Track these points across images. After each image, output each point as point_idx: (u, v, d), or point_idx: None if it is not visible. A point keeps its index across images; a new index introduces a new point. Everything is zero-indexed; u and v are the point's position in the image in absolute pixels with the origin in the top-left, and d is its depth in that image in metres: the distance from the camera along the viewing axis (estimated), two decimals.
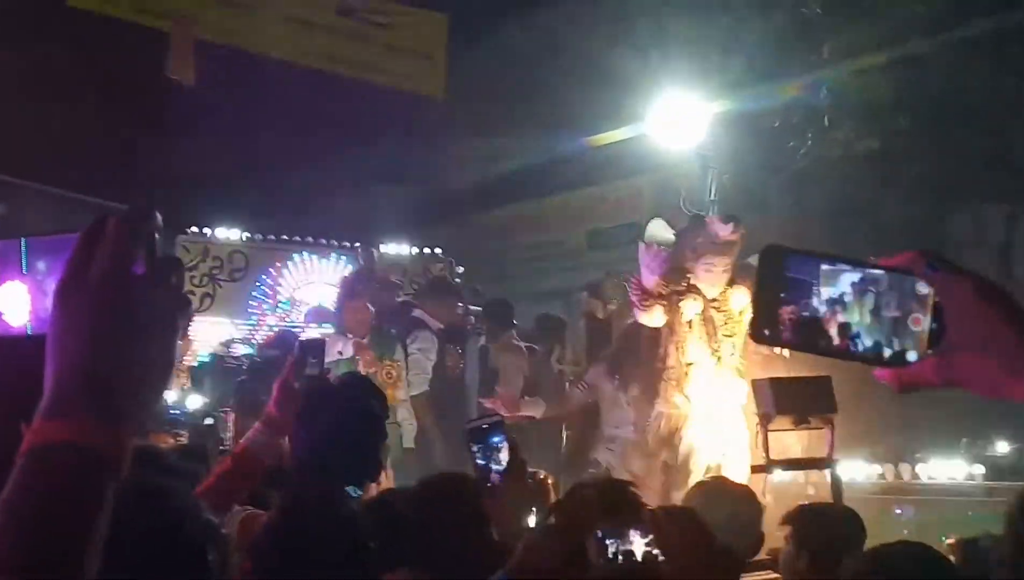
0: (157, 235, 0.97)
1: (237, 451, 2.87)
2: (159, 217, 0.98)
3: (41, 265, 1.01)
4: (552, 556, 1.88)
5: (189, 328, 9.78)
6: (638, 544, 1.95)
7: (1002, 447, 7.68)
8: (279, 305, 11.25)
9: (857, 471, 6.57)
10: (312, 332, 8.76)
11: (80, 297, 0.92)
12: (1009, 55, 9.00)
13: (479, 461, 2.24)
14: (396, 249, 11.88)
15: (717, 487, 3.56)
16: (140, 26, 10.42)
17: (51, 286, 0.97)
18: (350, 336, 6.88)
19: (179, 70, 9.84)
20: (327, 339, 3.07)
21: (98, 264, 0.92)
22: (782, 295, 1.00)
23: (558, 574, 1.88)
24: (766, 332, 1.00)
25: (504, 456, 2.22)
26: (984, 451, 7.59)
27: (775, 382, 4.73)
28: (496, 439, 2.25)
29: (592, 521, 1.93)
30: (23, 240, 1.02)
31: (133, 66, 10.33)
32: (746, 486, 3.95)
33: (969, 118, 9.33)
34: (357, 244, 10.25)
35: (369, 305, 7.12)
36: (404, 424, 6.78)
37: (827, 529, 3.32)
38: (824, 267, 1.01)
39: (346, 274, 9.95)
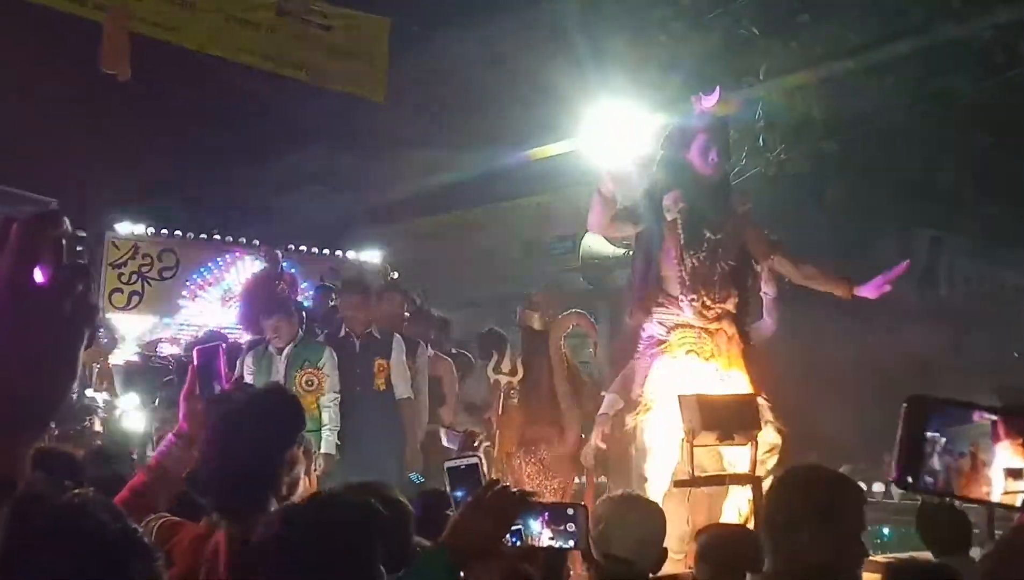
0: (64, 241, 0.94)
1: (151, 464, 2.81)
2: (67, 222, 0.95)
3: None
4: (485, 526, 2.09)
5: (99, 335, 9.63)
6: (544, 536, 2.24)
7: None
8: (207, 305, 11.13)
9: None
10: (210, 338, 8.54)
11: None
12: (934, 80, 9.25)
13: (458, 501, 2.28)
14: (330, 252, 11.84)
15: (626, 501, 3.62)
16: (73, 16, 10.21)
17: None
18: (272, 346, 6.79)
19: (113, 64, 9.66)
20: (222, 346, 2.95)
21: None
22: (925, 444, 1.03)
23: (488, 543, 2.09)
24: (909, 479, 1.04)
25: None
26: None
27: (701, 398, 4.79)
28: (470, 484, 2.30)
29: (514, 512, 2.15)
30: None
31: (67, 60, 10.13)
32: (654, 502, 4.01)
33: (895, 143, 9.57)
34: (257, 242, 10.04)
35: (293, 312, 7.04)
36: (323, 431, 6.72)
37: (729, 547, 3.53)
38: (965, 416, 1.04)
39: (253, 278, 9.78)
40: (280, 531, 2.15)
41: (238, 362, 6.69)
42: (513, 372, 7.03)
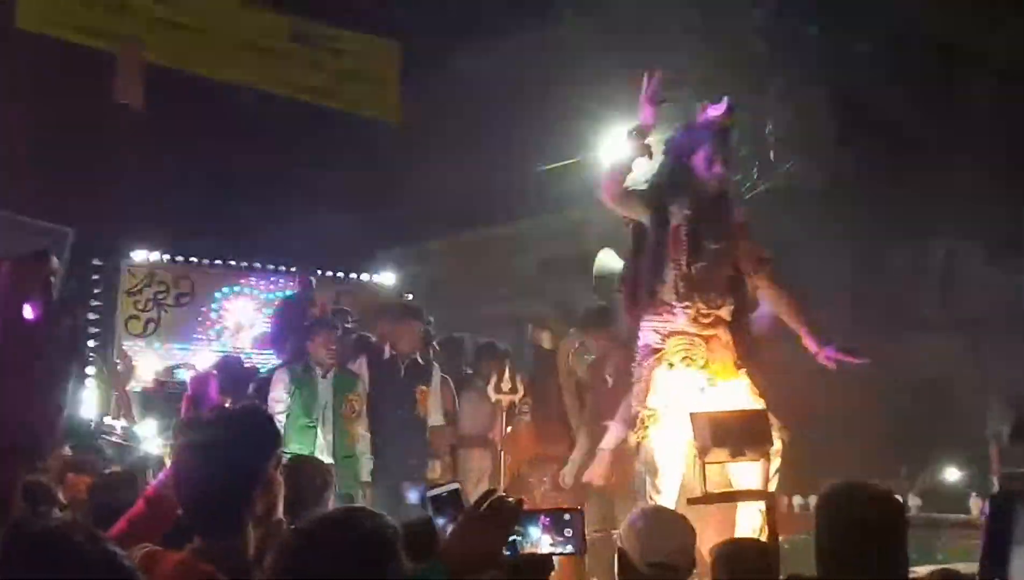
0: (53, 278, 0.97)
1: (149, 494, 2.82)
2: (55, 262, 0.98)
3: None
4: (483, 536, 2.08)
5: (116, 362, 9.69)
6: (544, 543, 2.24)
7: (951, 475, 7.78)
8: (223, 331, 11.18)
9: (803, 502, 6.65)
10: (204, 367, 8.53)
11: None
12: (948, 92, 9.22)
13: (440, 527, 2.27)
14: (345, 275, 11.88)
15: (659, 511, 3.77)
16: (88, 48, 10.34)
17: None
18: (318, 368, 6.82)
19: (127, 94, 9.77)
20: (212, 373, 2.98)
21: None
22: (1012, 540, 1.04)
23: (487, 558, 2.07)
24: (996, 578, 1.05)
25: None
26: (924, 482, 7.70)
27: (711, 416, 4.77)
28: (454, 510, 2.29)
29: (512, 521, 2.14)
30: None
31: (81, 89, 10.23)
32: (680, 514, 4.02)
33: (911, 153, 9.53)
34: (295, 269, 10.18)
35: (338, 336, 7.09)
36: (362, 458, 6.74)
37: (746, 561, 3.63)
38: None
39: (283, 301, 9.87)
40: (295, 548, 2.09)
41: (274, 382, 6.72)
42: (513, 390, 7.03)
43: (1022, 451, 5.09)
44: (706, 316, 5.27)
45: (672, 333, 5.30)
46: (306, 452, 6.38)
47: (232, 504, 2.50)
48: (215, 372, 2.96)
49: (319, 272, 11.60)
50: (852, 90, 9.05)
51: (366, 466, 6.75)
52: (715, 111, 5.32)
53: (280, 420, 6.49)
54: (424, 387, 7.25)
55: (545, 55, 10.16)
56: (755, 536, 4.90)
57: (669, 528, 3.46)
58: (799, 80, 9.17)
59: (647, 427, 5.18)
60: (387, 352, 7.28)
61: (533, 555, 2.23)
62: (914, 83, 9.01)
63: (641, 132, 5.24)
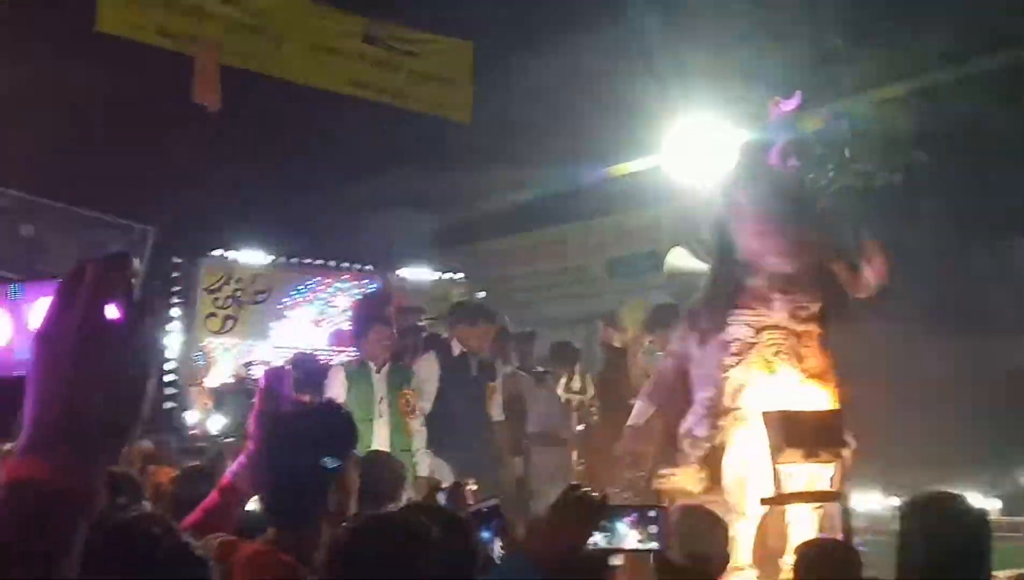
0: (135, 280, 1.02)
1: (223, 485, 2.88)
2: (136, 263, 1.03)
3: (25, 304, 1.08)
4: (567, 530, 2.11)
5: (195, 358, 9.90)
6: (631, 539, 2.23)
7: None
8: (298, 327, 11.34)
9: (876, 504, 6.55)
10: (287, 360, 8.62)
11: (59, 342, 0.97)
12: None
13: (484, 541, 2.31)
14: (417, 274, 11.98)
15: (697, 509, 3.85)
16: (167, 50, 10.57)
17: (32, 322, 1.03)
18: (372, 363, 6.89)
19: (204, 95, 9.98)
20: (287, 368, 3.02)
21: (76, 310, 0.97)
22: None
23: (570, 551, 2.10)
24: None
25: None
26: (1004, 485, 7.53)
27: (785, 415, 4.73)
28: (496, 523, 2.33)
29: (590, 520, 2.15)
30: (12, 285, 1.09)
31: (160, 90, 10.48)
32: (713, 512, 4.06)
33: (989, 150, 9.32)
34: (368, 267, 10.27)
35: (394, 331, 7.16)
36: (418, 454, 6.79)
37: (827, 561, 3.64)
38: None
39: (362, 298, 10.00)
40: (349, 545, 2.16)
41: (329, 380, 6.80)
42: (583, 390, 7.04)
43: None
44: (804, 308, 5.21)
45: (766, 327, 5.25)
46: (363, 448, 6.45)
47: (308, 498, 2.55)
48: (289, 367, 3.00)
49: (395, 271, 11.75)
50: (929, 87, 8.88)
51: (423, 461, 6.79)
52: (787, 106, 5.28)
53: None
54: (492, 384, 7.33)
55: (617, 54, 10.14)
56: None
57: (704, 523, 3.59)
58: (876, 77, 9.02)
59: (738, 426, 5.15)
60: (456, 349, 7.33)
61: (614, 550, 2.26)
62: (991, 79, 8.82)
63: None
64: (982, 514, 2.82)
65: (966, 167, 9.48)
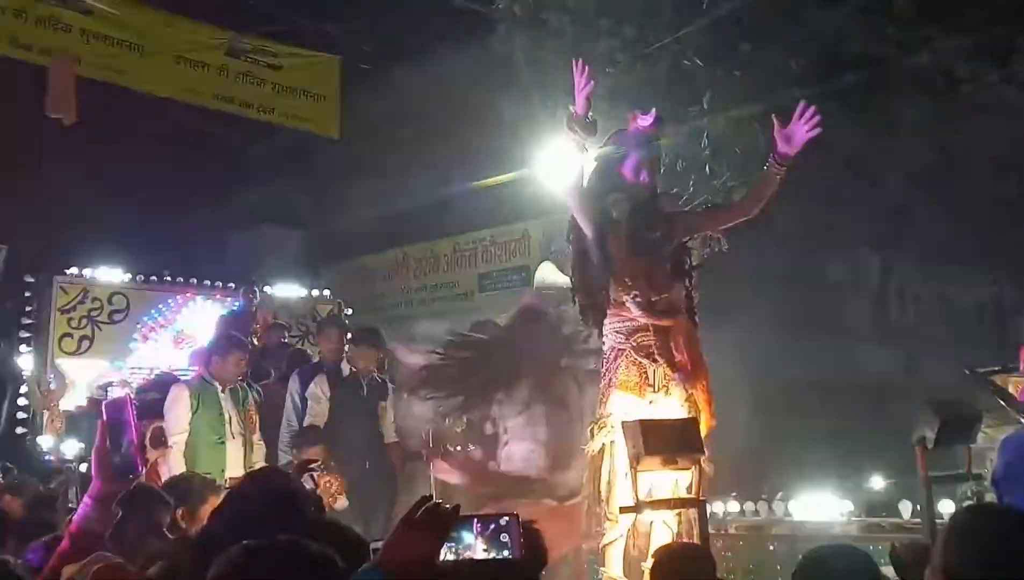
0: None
1: (72, 531, 2.76)
2: None
3: None
4: (419, 543, 2.07)
5: (49, 380, 9.53)
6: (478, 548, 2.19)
7: (876, 482, 7.91)
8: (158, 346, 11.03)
9: (728, 509, 6.72)
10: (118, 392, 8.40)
11: None
12: (878, 106, 9.41)
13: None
14: (283, 291, 11.79)
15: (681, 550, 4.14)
16: (20, 61, 10.17)
17: None
18: (217, 384, 6.75)
19: (59, 108, 9.62)
20: (129, 397, 2.87)
21: None
22: None
23: (422, 564, 2.06)
24: None
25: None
26: (855, 487, 7.81)
27: (643, 423, 4.79)
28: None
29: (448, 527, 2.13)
30: None
31: (12, 103, 10.06)
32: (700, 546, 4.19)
33: (840, 166, 9.70)
34: (231, 285, 10.09)
35: (247, 356, 7.08)
36: (258, 465, 6.69)
37: (681, 564, 3.79)
38: None
39: (226, 317, 9.80)
40: (241, 565, 2.06)
41: (174, 400, 6.62)
42: None
43: (946, 456, 5.19)
44: (655, 303, 5.26)
45: (635, 330, 5.29)
46: (218, 470, 6.31)
47: None
48: (131, 396, 2.84)
49: (259, 288, 11.54)
50: (785, 105, 9.19)
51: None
52: (643, 121, 5.37)
53: (179, 442, 6.39)
54: (384, 403, 7.33)
55: (481, 71, 10.21)
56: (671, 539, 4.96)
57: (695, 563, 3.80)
58: (733, 95, 9.30)
59: (610, 435, 5.19)
60: (346, 370, 7.33)
61: (472, 560, 2.20)
62: (845, 99, 9.18)
63: (578, 121, 5.27)
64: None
65: (819, 181, 9.84)
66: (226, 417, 6.59)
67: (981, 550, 2.24)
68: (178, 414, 6.48)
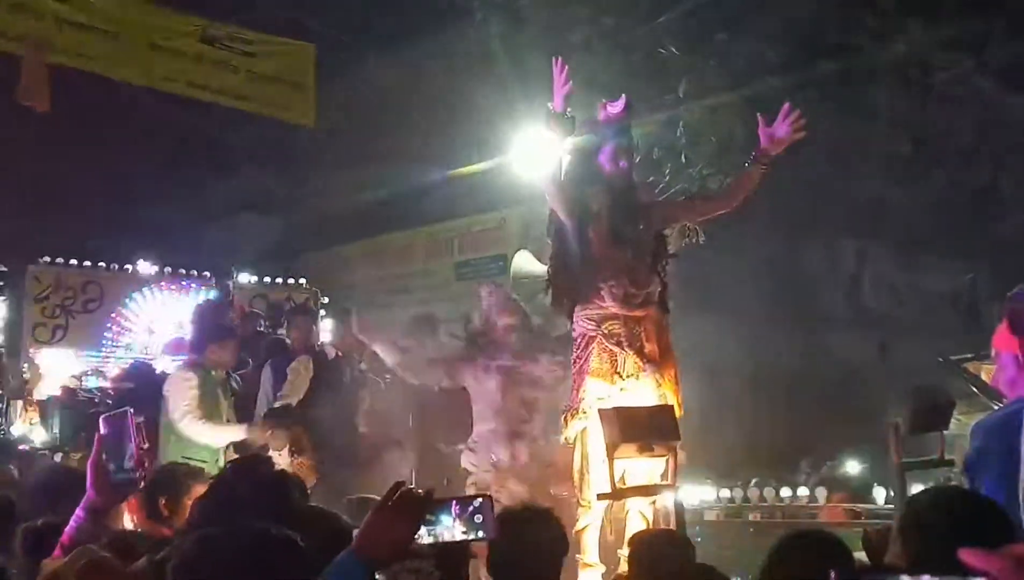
0: None
1: (64, 541, 2.72)
2: None
3: None
4: (394, 527, 2.11)
5: (23, 370, 9.47)
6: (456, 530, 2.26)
7: (850, 468, 7.99)
8: (133, 336, 10.97)
9: (705, 495, 6.76)
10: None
11: None
12: (853, 96, 9.45)
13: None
14: (259, 279, 11.75)
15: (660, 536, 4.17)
16: None
17: None
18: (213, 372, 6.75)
19: (32, 96, 9.52)
20: (130, 411, 2.83)
21: None
22: None
23: (397, 547, 2.13)
24: None
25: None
26: (828, 472, 7.88)
27: (620, 411, 4.81)
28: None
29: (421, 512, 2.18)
30: None
31: None
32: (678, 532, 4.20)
33: (818, 155, 9.74)
34: (207, 274, 10.05)
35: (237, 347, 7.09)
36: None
37: (657, 551, 3.80)
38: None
39: (208, 305, 9.76)
40: (194, 555, 2.11)
41: (181, 384, 6.57)
42: None
43: (921, 442, 5.24)
44: (635, 297, 5.29)
45: (605, 318, 5.31)
46: (214, 455, 6.33)
47: None
48: (131, 410, 2.78)
49: (235, 276, 11.48)
50: (761, 93, 9.22)
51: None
52: (613, 108, 5.39)
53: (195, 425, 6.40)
54: (363, 391, 7.41)
55: (459, 59, 10.19)
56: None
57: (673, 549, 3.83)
58: (710, 84, 9.32)
59: (582, 421, 5.21)
60: (331, 353, 7.35)
61: (451, 543, 2.27)
62: (821, 88, 9.23)
63: (557, 118, 5.29)
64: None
65: (796, 169, 9.88)
66: (222, 403, 6.62)
67: (939, 536, 2.26)
68: (185, 400, 6.43)
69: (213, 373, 6.72)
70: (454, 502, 2.28)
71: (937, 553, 2.21)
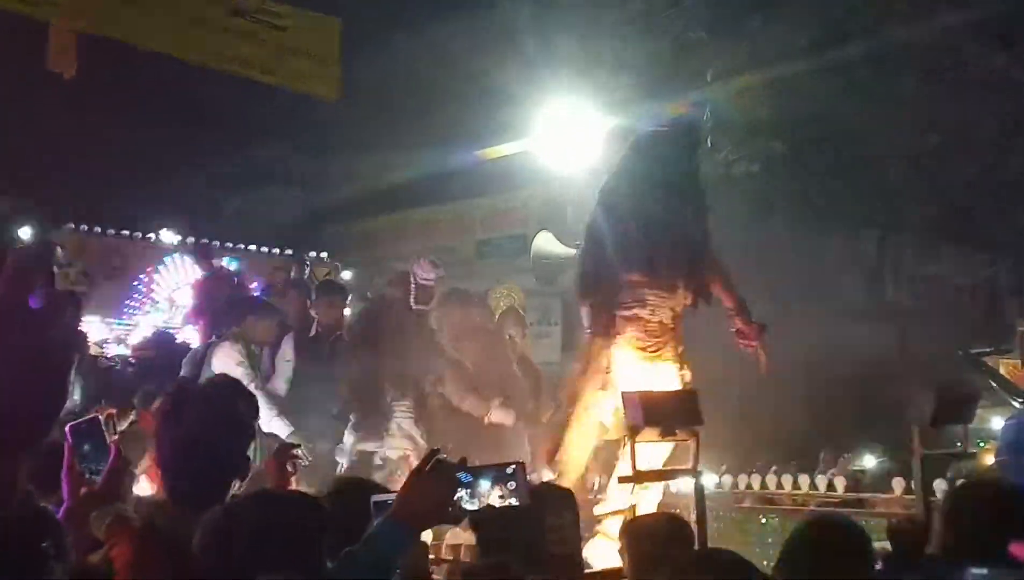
0: (56, 269, 0.97)
1: (63, 515, 2.76)
2: (60, 251, 0.98)
3: None
4: (431, 494, 2.23)
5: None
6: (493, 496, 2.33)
7: (868, 459, 8.00)
8: (155, 305, 11.04)
9: (718, 482, 6.79)
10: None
11: None
12: (880, 84, 9.39)
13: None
14: (281, 253, 11.81)
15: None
16: (20, 15, 10.06)
17: None
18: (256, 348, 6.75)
19: (59, 63, 9.54)
20: (96, 417, 2.83)
21: None
22: None
23: (435, 512, 2.25)
24: None
25: None
26: (846, 464, 7.90)
27: (643, 394, 4.82)
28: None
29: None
30: None
31: (13, 56, 9.98)
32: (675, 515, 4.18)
33: (843, 141, 9.70)
34: (229, 245, 10.00)
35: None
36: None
37: (654, 533, 3.76)
38: None
39: (209, 278, 9.68)
40: (223, 525, 2.24)
41: (225, 356, 6.55)
42: None
43: (941, 435, 5.25)
44: (668, 293, 5.37)
45: (635, 317, 5.39)
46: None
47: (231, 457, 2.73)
48: (98, 416, 2.77)
49: (251, 248, 11.52)
50: (787, 78, 9.19)
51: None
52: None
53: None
54: None
55: (487, 39, 10.17)
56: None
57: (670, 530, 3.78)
58: (738, 68, 9.28)
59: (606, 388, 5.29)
60: (313, 329, 7.28)
61: (492, 508, 2.34)
62: (845, 71, 9.18)
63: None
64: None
65: (820, 157, 9.84)
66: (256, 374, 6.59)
67: (986, 526, 2.29)
68: (229, 368, 6.35)
69: (255, 349, 6.72)
70: (493, 469, 2.37)
71: (980, 543, 2.25)
